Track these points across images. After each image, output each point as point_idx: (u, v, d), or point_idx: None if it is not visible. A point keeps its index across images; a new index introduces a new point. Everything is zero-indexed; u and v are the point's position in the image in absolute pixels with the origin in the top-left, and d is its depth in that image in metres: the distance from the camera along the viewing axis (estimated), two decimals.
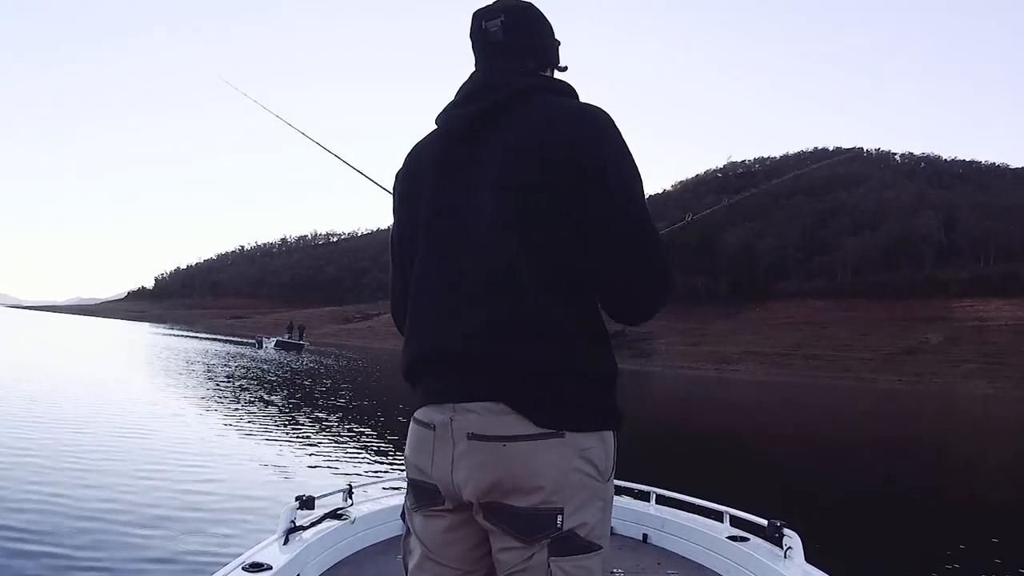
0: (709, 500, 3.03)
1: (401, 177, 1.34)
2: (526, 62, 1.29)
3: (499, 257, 1.13)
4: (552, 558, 1.08)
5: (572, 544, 1.08)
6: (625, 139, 1.19)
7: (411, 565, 1.23)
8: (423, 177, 1.27)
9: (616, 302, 1.20)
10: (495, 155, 1.18)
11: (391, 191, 1.37)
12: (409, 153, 1.35)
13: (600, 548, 1.12)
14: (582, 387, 1.13)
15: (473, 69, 1.32)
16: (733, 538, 2.72)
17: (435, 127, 1.31)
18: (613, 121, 1.19)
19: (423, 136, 1.35)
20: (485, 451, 1.09)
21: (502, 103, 1.21)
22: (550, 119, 1.16)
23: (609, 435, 1.16)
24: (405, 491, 1.27)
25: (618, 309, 1.20)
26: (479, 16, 1.31)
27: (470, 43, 1.33)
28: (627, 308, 1.20)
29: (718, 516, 2.95)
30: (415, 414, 1.22)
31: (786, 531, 2.51)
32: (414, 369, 1.23)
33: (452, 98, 1.30)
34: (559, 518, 1.08)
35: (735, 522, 2.85)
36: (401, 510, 1.36)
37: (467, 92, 1.27)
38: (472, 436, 1.10)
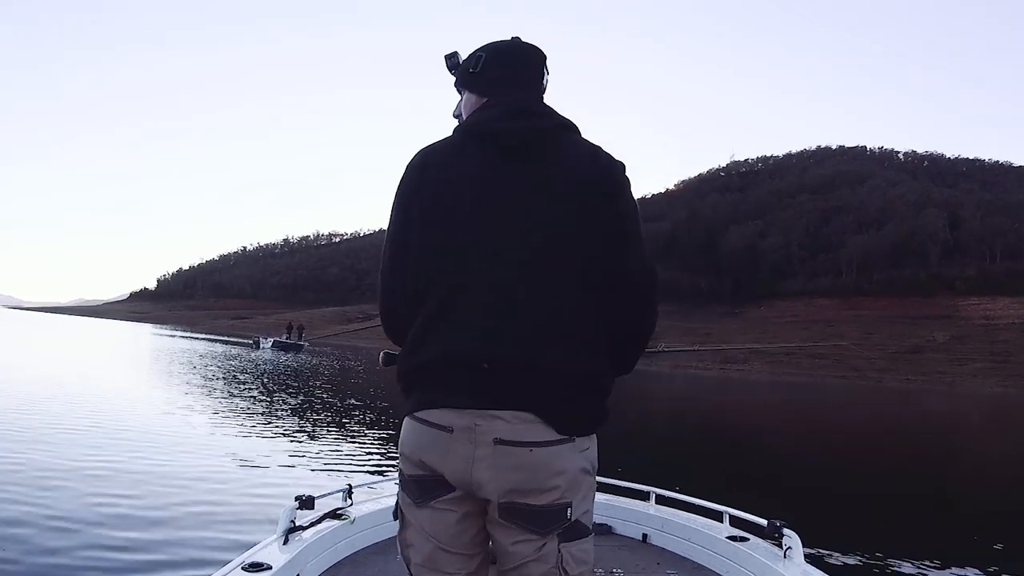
0: (709, 500, 2.99)
1: (431, 178, 1.33)
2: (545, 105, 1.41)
3: (549, 270, 1.24)
4: (562, 544, 1.22)
5: (576, 531, 1.24)
6: None
7: (417, 560, 1.28)
8: (463, 180, 1.30)
9: (618, 346, 1.32)
10: (547, 176, 1.28)
11: (405, 187, 1.37)
12: (431, 153, 1.36)
13: (592, 532, 1.29)
14: (598, 400, 1.28)
15: (492, 90, 1.38)
16: (733, 538, 2.68)
17: (460, 134, 1.37)
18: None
19: (440, 139, 1.39)
20: (512, 455, 1.19)
21: (551, 131, 1.33)
22: (591, 162, 1.30)
23: (595, 435, 1.32)
24: (399, 489, 1.32)
25: (618, 351, 1.33)
26: (531, 51, 1.42)
27: (500, 61, 1.40)
28: (626, 352, 1.35)
29: (718, 516, 2.90)
30: (420, 414, 1.26)
31: (786, 531, 2.46)
32: (430, 369, 1.26)
33: (485, 111, 1.36)
34: (568, 511, 1.22)
35: (735, 522, 2.81)
36: (393, 510, 1.36)
37: (512, 110, 1.33)
38: (499, 441, 1.19)
